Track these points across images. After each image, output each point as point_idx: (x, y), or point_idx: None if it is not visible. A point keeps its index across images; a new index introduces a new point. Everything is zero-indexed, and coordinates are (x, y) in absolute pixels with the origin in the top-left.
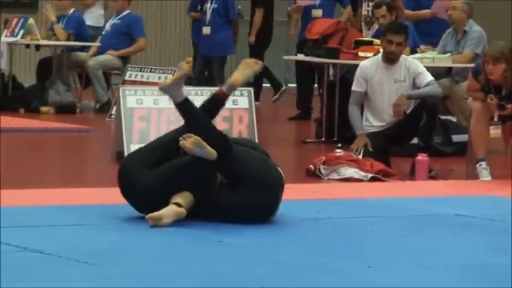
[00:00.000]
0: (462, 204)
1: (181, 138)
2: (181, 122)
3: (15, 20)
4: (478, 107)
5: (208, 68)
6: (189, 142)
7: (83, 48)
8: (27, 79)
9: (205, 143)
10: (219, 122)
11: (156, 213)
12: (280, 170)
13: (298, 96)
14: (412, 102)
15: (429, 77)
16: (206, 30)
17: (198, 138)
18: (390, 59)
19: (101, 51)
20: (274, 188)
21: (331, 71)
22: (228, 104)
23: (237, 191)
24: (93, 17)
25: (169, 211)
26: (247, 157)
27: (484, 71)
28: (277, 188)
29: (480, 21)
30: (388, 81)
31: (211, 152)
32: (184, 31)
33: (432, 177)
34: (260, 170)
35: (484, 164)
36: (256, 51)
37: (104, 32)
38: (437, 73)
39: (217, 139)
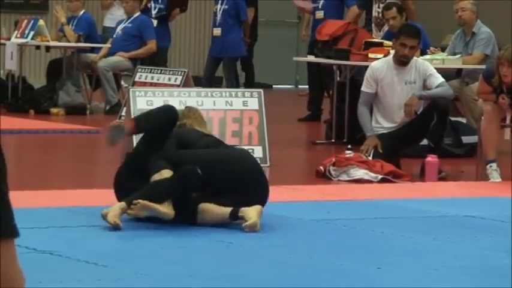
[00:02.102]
0: (472, 206)
1: (129, 208)
2: None
3: (26, 21)
4: (489, 109)
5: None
6: (137, 209)
7: (93, 50)
8: (37, 80)
9: (154, 205)
10: (230, 124)
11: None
12: (242, 148)
13: (310, 97)
14: (423, 103)
15: (440, 79)
16: (217, 31)
17: (145, 202)
18: (402, 62)
19: (111, 53)
20: (248, 171)
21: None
22: (238, 105)
23: (224, 197)
24: (113, 18)
25: (114, 208)
26: (212, 166)
27: (498, 73)
28: (250, 169)
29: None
30: (398, 82)
31: (165, 213)
32: (193, 32)
33: (442, 179)
34: (224, 170)
35: (494, 165)
36: (249, 48)
37: (114, 35)
38: (447, 74)
39: (174, 193)
